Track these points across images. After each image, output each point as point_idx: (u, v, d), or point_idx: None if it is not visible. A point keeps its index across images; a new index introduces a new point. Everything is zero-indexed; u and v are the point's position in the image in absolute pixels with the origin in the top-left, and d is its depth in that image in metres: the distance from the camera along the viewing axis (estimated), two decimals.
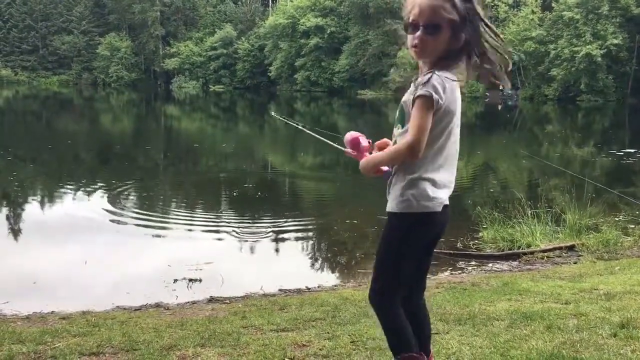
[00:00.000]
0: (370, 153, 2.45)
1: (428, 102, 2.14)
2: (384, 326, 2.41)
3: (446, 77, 2.19)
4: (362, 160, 2.39)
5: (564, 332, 3.47)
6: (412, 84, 2.28)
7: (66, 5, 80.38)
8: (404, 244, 2.30)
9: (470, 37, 2.21)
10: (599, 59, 44.34)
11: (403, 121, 2.28)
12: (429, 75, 2.18)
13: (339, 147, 2.61)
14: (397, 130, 2.33)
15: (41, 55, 79.00)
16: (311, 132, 2.82)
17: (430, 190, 2.25)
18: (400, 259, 2.32)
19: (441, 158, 2.27)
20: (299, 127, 3.00)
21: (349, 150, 2.52)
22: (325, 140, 2.71)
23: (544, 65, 48.12)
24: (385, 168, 2.35)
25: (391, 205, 2.30)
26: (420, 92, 2.15)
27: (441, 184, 2.28)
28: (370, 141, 2.50)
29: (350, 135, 2.52)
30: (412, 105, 2.18)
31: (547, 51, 47.45)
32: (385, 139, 2.52)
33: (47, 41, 78.88)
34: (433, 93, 2.13)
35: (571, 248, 6.90)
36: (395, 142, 2.33)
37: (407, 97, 2.26)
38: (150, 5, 75.39)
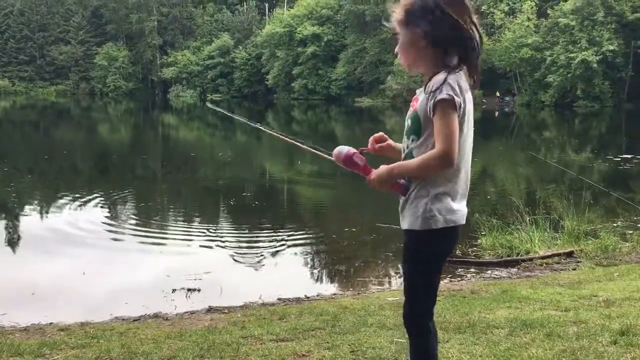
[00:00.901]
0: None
1: (451, 106, 2.02)
2: (415, 350, 2.28)
3: (457, 78, 2.08)
4: (376, 173, 2.20)
5: (564, 339, 3.46)
6: (420, 92, 2.16)
7: (63, 16, 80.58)
8: (433, 261, 2.22)
9: (456, 42, 2.09)
10: (595, 65, 44.55)
11: (419, 131, 2.14)
12: (442, 76, 2.06)
13: (325, 156, 2.44)
14: (411, 143, 2.17)
15: (39, 65, 79.11)
16: (280, 135, 2.72)
17: (454, 204, 2.15)
18: (431, 277, 2.23)
19: (462, 168, 2.17)
20: (265, 129, 2.92)
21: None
22: (316, 151, 2.56)
23: (540, 72, 48.32)
24: (402, 181, 2.18)
25: (414, 223, 2.15)
26: (440, 95, 2.02)
27: (462, 194, 2.20)
28: (362, 149, 2.33)
29: (341, 154, 2.29)
30: (433, 113, 2.05)
31: (543, 58, 47.66)
32: (381, 133, 2.41)
33: (45, 51, 79.03)
34: (454, 95, 2.02)
35: (570, 254, 6.89)
36: (407, 155, 2.19)
37: (423, 103, 2.11)
38: (148, 14, 75.61)
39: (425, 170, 2.10)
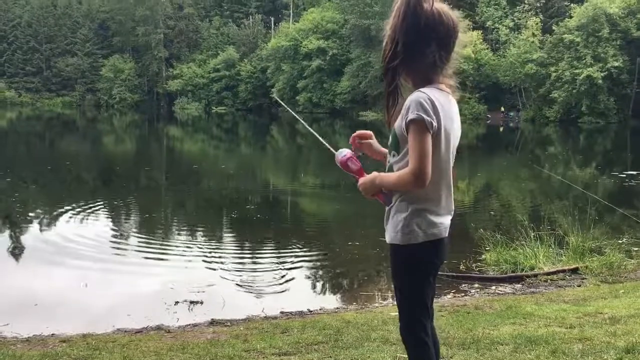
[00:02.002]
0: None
1: (422, 126, 2.05)
2: None
3: (434, 94, 2.10)
4: (362, 180, 2.27)
5: (569, 357, 3.43)
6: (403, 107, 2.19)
7: (71, 28, 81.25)
8: (419, 274, 2.23)
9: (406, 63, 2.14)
10: (600, 81, 44.62)
11: (397, 148, 2.19)
12: (414, 95, 2.10)
13: (330, 149, 2.51)
14: (392, 158, 2.23)
15: (45, 76, 79.67)
16: (313, 132, 2.76)
17: (435, 217, 2.18)
18: (419, 289, 2.25)
19: (443, 183, 2.20)
20: (304, 124, 2.96)
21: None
22: (325, 144, 2.64)
23: (544, 87, 48.39)
24: (385, 191, 2.23)
25: (394, 237, 2.20)
26: (411, 115, 2.06)
27: (445, 208, 2.22)
28: (361, 155, 2.41)
29: (338, 157, 2.39)
30: (407, 131, 2.09)
31: (548, 73, 47.76)
32: (368, 132, 2.44)
33: (51, 63, 79.62)
34: (424, 115, 2.04)
35: (575, 271, 6.85)
36: (389, 169, 2.25)
37: (398, 121, 2.15)
38: (154, 27, 76.13)
39: (400, 187, 2.15)
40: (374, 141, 2.46)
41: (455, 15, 2.17)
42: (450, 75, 2.22)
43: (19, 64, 79.73)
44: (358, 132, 2.46)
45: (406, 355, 2.36)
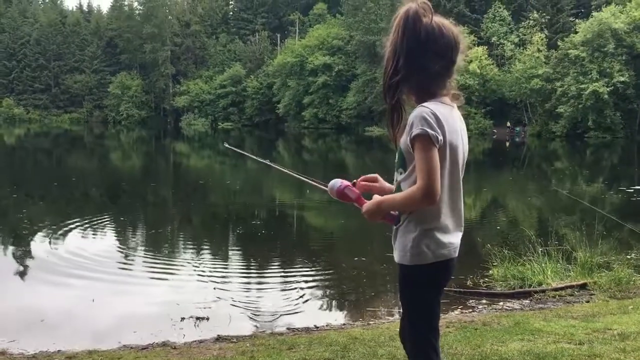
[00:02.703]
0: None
1: (427, 141, 2.02)
2: None
3: (437, 108, 2.09)
4: (366, 206, 2.23)
5: None
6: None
7: (79, 45, 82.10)
8: (427, 294, 2.22)
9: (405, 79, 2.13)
10: (606, 96, 44.59)
11: (404, 165, 2.16)
12: (417, 110, 2.08)
13: (319, 185, 2.48)
14: (399, 176, 2.20)
15: (53, 93, 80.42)
16: (298, 175, 2.76)
17: (444, 237, 2.15)
18: (427, 309, 2.23)
19: (452, 199, 2.17)
20: (264, 162, 2.97)
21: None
22: (313, 182, 2.61)
23: (550, 102, 48.40)
24: (393, 212, 2.21)
25: (403, 257, 2.18)
26: (415, 131, 2.03)
27: (454, 227, 2.20)
28: (355, 182, 2.36)
29: (333, 189, 2.34)
30: (412, 147, 2.07)
31: (554, 88, 47.79)
32: (375, 175, 2.41)
33: (60, 80, 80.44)
34: (428, 130, 2.02)
35: (583, 286, 6.79)
36: (397, 188, 2.22)
37: (404, 138, 2.13)
38: (161, 45, 76.81)
39: (409, 205, 2.11)
40: (382, 181, 2.43)
41: (456, 29, 2.16)
42: (453, 88, 2.21)
43: (27, 81, 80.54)
44: (365, 176, 2.42)
45: None
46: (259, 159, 2.75)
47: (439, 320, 2.32)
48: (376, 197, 2.22)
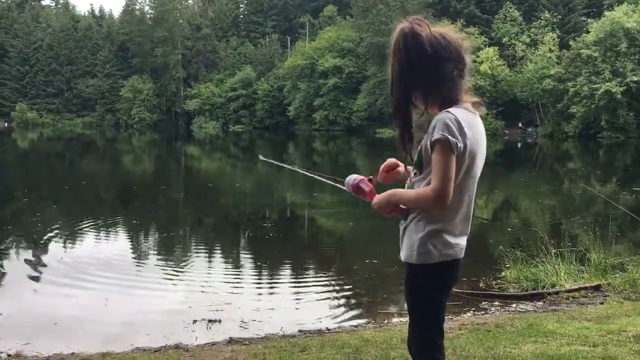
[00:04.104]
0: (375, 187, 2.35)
1: (446, 147, 2.03)
2: None
3: (461, 114, 2.09)
4: (377, 198, 2.27)
5: None
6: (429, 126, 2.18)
7: (91, 50, 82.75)
8: (432, 294, 2.23)
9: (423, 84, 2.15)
10: (619, 95, 44.26)
11: (421, 166, 2.18)
12: (440, 115, 2.08)
13: (337, 185, 2.53)
14: (414, 176, 2.22)
15: (66, 98, 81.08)
16: (305, 172, 2.80)
17: (451, 238, 2.17)
18: (433, 309, 2.24)
19: (463, 206, 2.18)
20: (293, 169, 3.01)
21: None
22: (329, 181, 2.66)
23: (563, 103, 48.12)
24: (402, 206, 2.23)
25: (410, 256, 2.20)
26: (436, 136, 2.05)
27: (462, 230, 2.21)
28: (372, 178, 2.40)
29: (349, 183, 2.40)
30: (431, 150, 2.08)
31: (566, 89, 47.51)
32: (393, 160, 2.43)
33: (72, 84, 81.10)
34: (449, 136, 2.03)
35: (597, 288, 6.73)
36: (410, 187, 2.24)
37: (424, 141, 2.15)
38: (172, 48, 77.26)
39: (419, 204, 2.14)
40: (402, 167, 2.44)
41: (455, 32, 2.18)
42: (470, 92, 2.21)
43: (40, 86, 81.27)
44: (385, 164, 2.44)
45: None
46: (297, 169, 2.80)
47: (444, 321, 2.32)
48: (388, 191, 2.23)
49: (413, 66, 2.12)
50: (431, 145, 2.08)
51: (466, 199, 2.18)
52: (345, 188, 2.44)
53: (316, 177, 2.71)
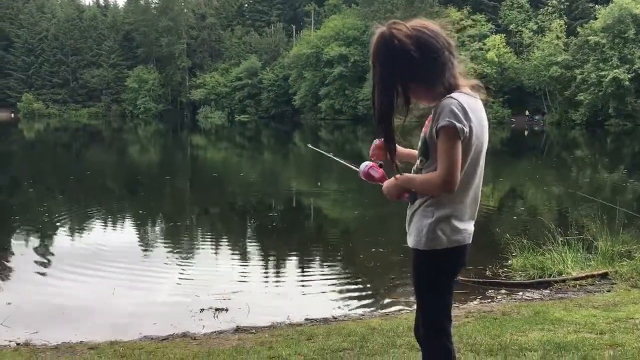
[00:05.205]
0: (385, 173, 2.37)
1: (452, 132, 2.04)
2: None
3: (464, 99, 2.09)
4: (385, 183, 2.29)
5: None
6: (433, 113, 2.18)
7: (96, 40, 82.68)
8: (440, 280, 2.24)
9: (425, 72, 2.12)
10: (627, 82, 43.94)
11: (427, 154, 2.18)
12: (445, 101, 2.08)
13: (357, 169, 2.54)
14: (420, 164, 2.23)
15: (71, 88, 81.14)
16: (338, 160, 2.81)
17: (459, 224, 2.18)
18: (440, 295, 2.25)
19: (470, 190, 2.19)
20: (329, 155, 3.02)
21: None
22: (348, 164, 2.69)
23: (570, 90, 47.77)
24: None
25: (418, 242, 2.20)
26: (442, 122, 2.05)
27: (469, 215, 2.22)
28: (382, 163, 2.42)
29: (362, 171, 2.44)
30: (437, 137, 2.08)
31: (574, 76, 47.15)
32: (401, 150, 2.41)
33: (78, 75, 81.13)
34: (455, 122, 2.03)
35: (604, 276, 6.71)
36: (416, 173, 2.25)
37: (429, 129, 2.15)
38: (177, 38, 77.12)
39: (426, 189, 2.15)
40: (399, 147, 2.42)
41: (434, 24, 2.15)
42: (465, 75, 2.20)
43: (46, 76, 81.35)
44: (377, 142, 2.44)
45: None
46: (341, 160, 2.81)
47: (452, 307, 2.32)
48: (396, 175, 2.24)
49: (403, 66, 2.09)
50: (437, 131, 2.08)
51: (474, 183, 2.19)
52: (360, 176, 2.47)
53: (343, 162, 2.72)
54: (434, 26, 2.14)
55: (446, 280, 2.25)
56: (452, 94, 2.10)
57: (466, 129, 2.05)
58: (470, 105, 2.10)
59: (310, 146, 3.76)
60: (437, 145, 2.09)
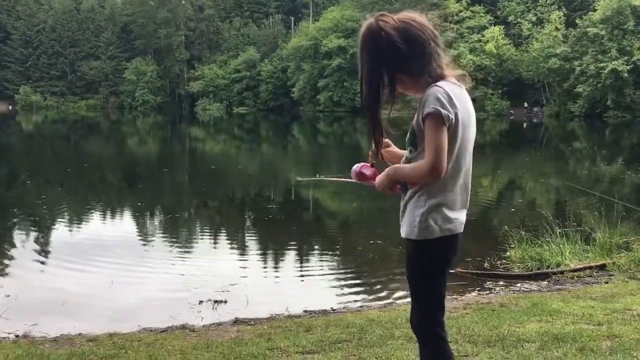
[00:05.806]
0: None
1: (438, 119, 2.07)
2: (431, 356, 2.29)
3: (449, 87, 2.12)
4: (378, 178, 2.31)
5: (597, 354, 3.37)
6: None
7: (94, 32, 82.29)
8: (433, 269, 2.25)
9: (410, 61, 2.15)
10: (626, 74, 43.85)
11: (414, 143, 2.21)
12: (430, 89, 2.11)
13: (351, 181, 2.55)
14: (409, 154, 2.25)
15: (69, 80, 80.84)
16: (330, 178, 2.83)
17: (451, 212, 2.20)
18: (434, 284, 2.27)
19: (459, 178, 2.21)
20: (322, 178, 3.04)
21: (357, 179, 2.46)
22: (343, 179, 2.72)
23: (569, 82, 47.69)
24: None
25: (410, 232, 2.22)
26: (427, 110, 2.08)
27: (461, 203, 2.24)
28: (373, 162, 2.43)
29: (354, 172, 2.45)
30: (423, 124, 2.11)
31: (572, 68, 47.03)
32: (386, 140, 2.45)
33: (75, 67, 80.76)
34: (440, 109, 2.06)
35: (602, 267, 6.73)
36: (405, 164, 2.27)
37: (415, 116, 2.18)
38: (176, 30, 76.78)
39: (415, 177, 2.18)
40: (393, 147, 2.47)
41: (420, 16, 2.19)
42: (451, 65, 2.23)
43: (44, 68, 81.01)
44: (373, 149, 2.44)
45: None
46: (333, 179, 2.83)
47: (445, 297, 2.34)
48: (387, 168, 2.27)
49: (390, 58, 2.13)
50: (423, 119, 2.11)
51: (462, 170, 2.21)
52: (355, 180, 2.48)
53: (336, 180, 2.75)
54: (421, 18, 2.18)
55: (439, 269, 2.26)
56: (438, 83, 2.13)
57: (452, 116, 2.08)
58: (456, 93, 2.13)
59: (299, 178, 3.78)
60: (424, 134, 2.12)
